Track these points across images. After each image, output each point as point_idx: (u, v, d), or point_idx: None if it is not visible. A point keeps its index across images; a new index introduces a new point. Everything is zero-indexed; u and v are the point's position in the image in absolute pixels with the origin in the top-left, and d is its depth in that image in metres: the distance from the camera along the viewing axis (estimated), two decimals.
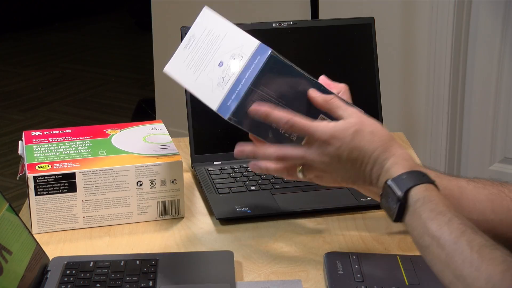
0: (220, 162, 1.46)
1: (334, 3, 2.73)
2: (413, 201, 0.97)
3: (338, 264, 1.09)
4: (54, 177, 1.23)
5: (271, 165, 1.11)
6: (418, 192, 0.98)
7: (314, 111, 1.10)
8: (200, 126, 1.47)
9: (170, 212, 1.30)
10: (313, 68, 1.16)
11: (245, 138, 1.12)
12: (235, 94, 1.10)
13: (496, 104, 2.67)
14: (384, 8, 2.69)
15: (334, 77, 1.17)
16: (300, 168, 1.10)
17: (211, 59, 1.15)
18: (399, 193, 0.98)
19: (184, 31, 1.42)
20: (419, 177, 1.00)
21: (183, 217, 1.31)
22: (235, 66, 1.11)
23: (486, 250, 0.88)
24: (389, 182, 1.00)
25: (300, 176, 1.10)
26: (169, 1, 3.24)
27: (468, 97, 2.72)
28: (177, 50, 1.19)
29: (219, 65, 1.13)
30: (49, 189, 1.23)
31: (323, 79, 1.14)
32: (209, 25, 1.17)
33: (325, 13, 2.57)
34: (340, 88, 1.14)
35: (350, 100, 1.14)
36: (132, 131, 1.40)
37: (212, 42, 1.15)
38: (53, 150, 1.31)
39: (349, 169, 1.06)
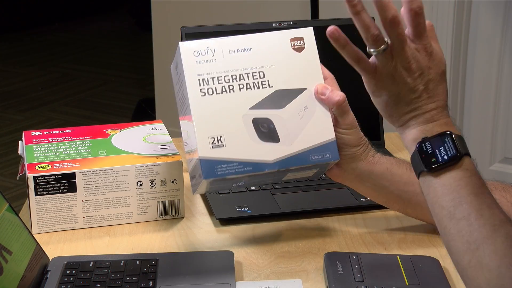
0: None
1: (334, 3, 2.72)
2: (465, 167, 0.92)
3: (338, 264, 1.09)
4: (54, 177, 1.23)
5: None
6: (470, 163, 0.93)
7: None
8: None
9: (170, 212, 1.30)
10: None
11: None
12: (193, 182, 1.14)
13: (496, 104, 2.68)
14: None
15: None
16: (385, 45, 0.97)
17: (182, 114, 1.14)
18: (462, 151, 0.92)
19: (184, 31, 1.42)
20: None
21: (183, 217, 1.31)
22: (190, 156, 1.13)
23: None
24: (454, 134, 0.94)
25: (376, 48, 0.97)
26: (169, 1, 3.24)
27: (468, 97, 2.72)
28: (171, 64, 1.17)
29: (186, 133, 1.14)
30: (49, 189, 1.23)
31: (329, 82, 1.14)
32: (181, 75, 1.13)
33: (325, 13, 2.57)
34: (337, 97, 1.11)
35: (349, 109, 1.14)
36: (132, 131, 1.40)
37: (183, 100, 1.13)
38: (53, 150, 1.31)
39: (428, 74, 0.98)
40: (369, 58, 1.00)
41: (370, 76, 1.00)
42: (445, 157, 0.92)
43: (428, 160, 0.94)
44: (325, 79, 1.15)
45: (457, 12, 2.63)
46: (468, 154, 0.93)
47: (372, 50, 0.97)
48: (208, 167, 1.09)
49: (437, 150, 0.93)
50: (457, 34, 2.65)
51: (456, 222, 0.89)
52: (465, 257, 0.87)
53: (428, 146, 0.94)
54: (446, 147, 0.93)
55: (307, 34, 1.16)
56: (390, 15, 0.94)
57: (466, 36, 2.66)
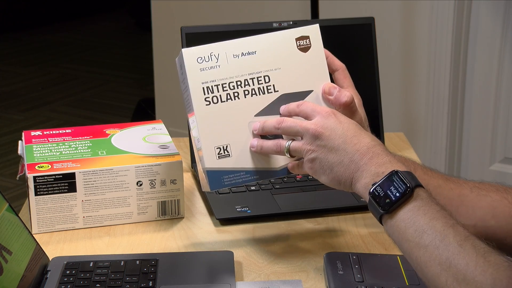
0: None
1: (334, 3, 2.72)
2: (419, 197, 0.95)
3: (338, 264, 1.09)
4: (54, 177, 1.23)
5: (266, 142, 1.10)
6: (424, 192, 0.96)
7: None
8: None
9: (170, 212, 1.30)
10: None
11: None
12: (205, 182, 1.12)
13: (496, 104, 2.67)
14: (384, 8, 2.69)
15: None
16: (288, 143, 1.08)
17: (189, 112, 1.12)
18: (412, 184, 0.95)
19: (184, 31, 1.42)
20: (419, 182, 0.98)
21: (183, 217, 1.31)
22: (199, 157, 1.12)
23: (491, 255, 0.86)
24: (400, 172, 0.97)
25: (286, 154, 1.08)
26: (169, 1, 3.24)
27: (468, 97, 2.72)
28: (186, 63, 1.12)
29: (193, 134, 1.13)
30: (49, 189, 1.23)
31: (332, 85, 1.13)
32: (185, 81, 1.11)
33: (325, 13, 2.57)
34: (344, 98, 1.10)
35: (357, 109, 1.13)
36: (132, 131, 1.40)
37: (189, 102, 1.12)
38: (53, 150, 1.31)
39: (345, 141, 1.02)
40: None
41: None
42: (397, 194, 0.95)
43: (383, 203, 0.96)
44: (336, 70, 1.15)
45: (457, 12, 2.62)
46: (419, 185, 0.96)
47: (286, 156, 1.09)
48: (215, 178, 1.09)
49: (388, 191, 0.96)
50: (457, 34, 2.65)
51: (424, 249, 0.91)
52: (441, 279, 0.88)
53: (379, 190, 0.97)
54: (396, 185, 0.96)
55: (313, 32, 1.14)
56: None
57: (466, 36, 2.66)
